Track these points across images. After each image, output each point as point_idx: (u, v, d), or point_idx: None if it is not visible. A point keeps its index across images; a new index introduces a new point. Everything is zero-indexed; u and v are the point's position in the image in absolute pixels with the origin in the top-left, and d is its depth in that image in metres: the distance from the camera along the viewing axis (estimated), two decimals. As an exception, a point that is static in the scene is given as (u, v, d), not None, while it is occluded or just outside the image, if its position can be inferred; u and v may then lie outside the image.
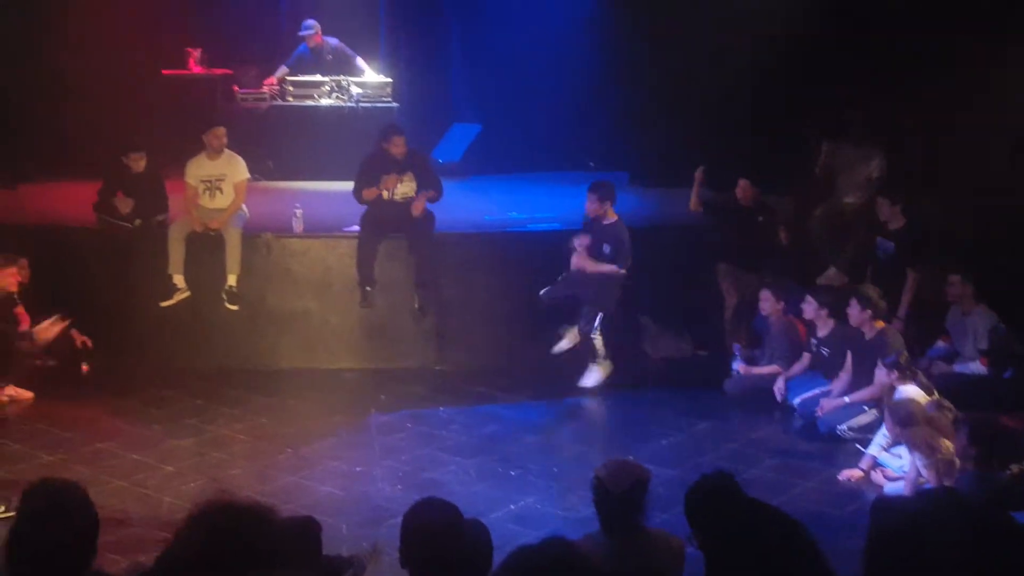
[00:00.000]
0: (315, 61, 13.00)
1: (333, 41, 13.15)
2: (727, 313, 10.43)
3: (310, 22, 12.94)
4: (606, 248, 9.53)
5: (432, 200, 10.01)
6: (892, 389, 7.94)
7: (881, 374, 8.15)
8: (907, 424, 7.10)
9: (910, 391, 7.78)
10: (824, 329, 9.22)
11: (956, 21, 10.64)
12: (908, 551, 3.52)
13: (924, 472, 6.98)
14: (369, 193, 9.94)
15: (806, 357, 9.43)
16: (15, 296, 9.10)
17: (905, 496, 6.56)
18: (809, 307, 9.27)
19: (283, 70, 12.97)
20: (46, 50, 12.38)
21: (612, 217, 9.64)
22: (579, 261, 9.53)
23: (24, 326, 9.06)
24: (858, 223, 10.67)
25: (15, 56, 11.99)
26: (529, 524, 6.95)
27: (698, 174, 10.54)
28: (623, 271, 9.58)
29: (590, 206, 9.59)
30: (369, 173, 10.00)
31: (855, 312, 8.73)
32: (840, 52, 11.64)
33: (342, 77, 12.83)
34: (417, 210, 9.87)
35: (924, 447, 6.89)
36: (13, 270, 9.06)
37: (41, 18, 12.33)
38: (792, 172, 11.43)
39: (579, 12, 13.67)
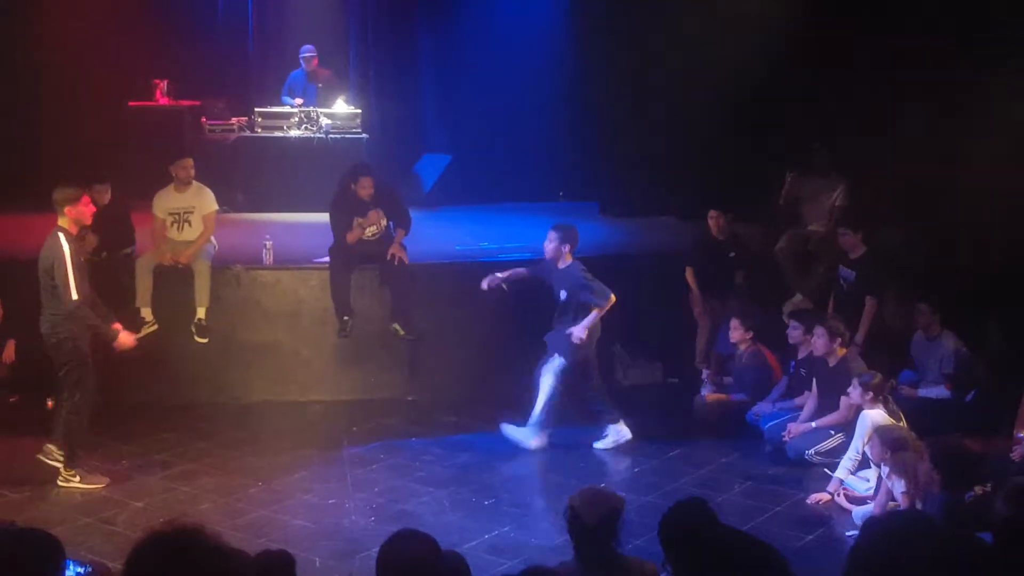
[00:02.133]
0: (306, 85, 13.04)
1: (328, 71, 13.21)
2: (700, 340, 10.49)
3: (310, 47, 13.06)
4: (563, 294, 8.89)
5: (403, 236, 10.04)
6: (858, 410, 8.03)
7: (854, 395, 8.17)
8: (898, 448, 7.16)
9: (875, 415, 7.87)
10: (804, 352, 9.29)
11: (925, 52, 10.80)
12: (885, 571, 3.57)
13: (899, 496, 7.04)
14: (353, 236, 9.91)
15: (784, 382, 9.51)
16: None
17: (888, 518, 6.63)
18: (795, 332, 9.34)
19: (297, 101, 13.04)
20: (7, 80, 12.35)
21: (568, 260, 8.93)
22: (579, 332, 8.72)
23: None
24: (823, 251, 10.84)
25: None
26: (503, 554, 6.96)
27: (688, 276, 10.52)
28: (600, 309, 8.80)
29: (549, 246, 8.90)
30: (343, 216, 9.97)
31: (821, 341, 8.81)
32: (807, 82, 11.80)
33: (312, 108, 12.87)
34: (397, 255, 9.84)
35: (909, 472, 6.95)
36: None
37: (5, 50, 12.30)
38: (758, 200, 11.54)
39: (550, 44, 13.82)
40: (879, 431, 7.50)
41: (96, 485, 7.96)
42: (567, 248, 8.89)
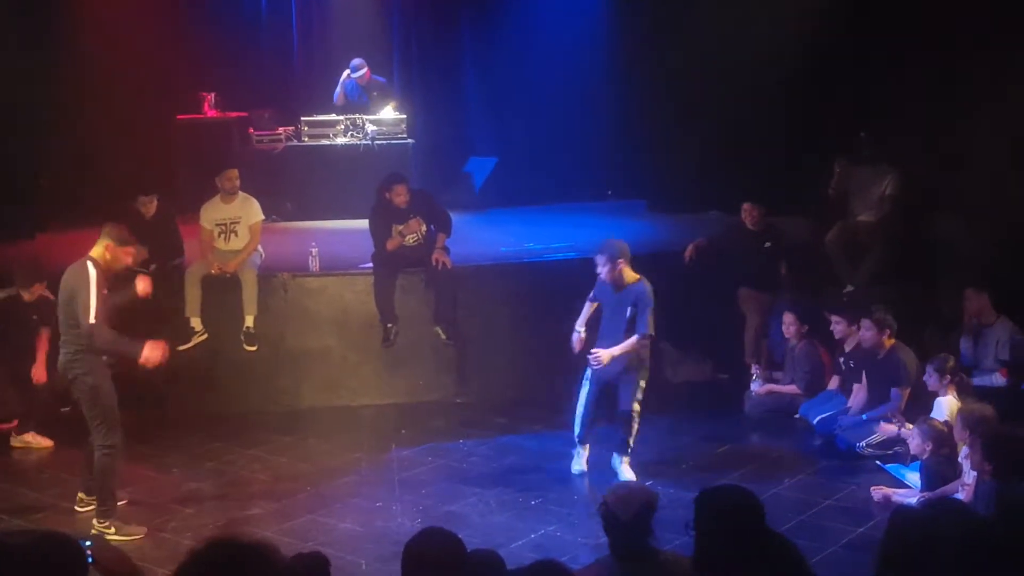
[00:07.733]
0: (360, 94, 13.14)
1: (380, 79, 13.29)
2: (748, 334, 10.38)
3: (359, 61, 13.06)
4: (628, 311, 8.15)
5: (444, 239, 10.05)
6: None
7: (930, 381, 8.18)
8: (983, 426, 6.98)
9: (945, 403, 7.88)
10: (851, 344, 9.18)
11: (976, 35, 10.62)
12: (917, 559, 3.52)
13: (969, 479, 6.91)
14: (393, 243, 9.95)
15: (835, 379, 9.39)
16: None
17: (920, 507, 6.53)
18: (839, 326, 9.25)
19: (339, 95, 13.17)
20: (60, 99, 12.55)
21: (631, 278, 8.21)
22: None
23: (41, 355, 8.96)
24: (873, 241, 10.66)
25: (30, 107, 12.13)
26: (548, 552, 6.84)
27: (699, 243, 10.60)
28: (647, 336, 8.14)
29: (603, 269, 8.15)
30: (381, 225, 10.01)
31: (870, 334, 8.72)
32: (852, 71, 11.65)
33: (357, 115, 12.92)
34: (440, 259, 9.84)
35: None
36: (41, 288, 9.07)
37: (55, 68, 12.50)
38: (806, 192, 11.41)
39: (593, 43, 13.80)
40: (963, 411, 7.35)
41: (134, 536, 7.35)
42: (622, 263, 8.16)
